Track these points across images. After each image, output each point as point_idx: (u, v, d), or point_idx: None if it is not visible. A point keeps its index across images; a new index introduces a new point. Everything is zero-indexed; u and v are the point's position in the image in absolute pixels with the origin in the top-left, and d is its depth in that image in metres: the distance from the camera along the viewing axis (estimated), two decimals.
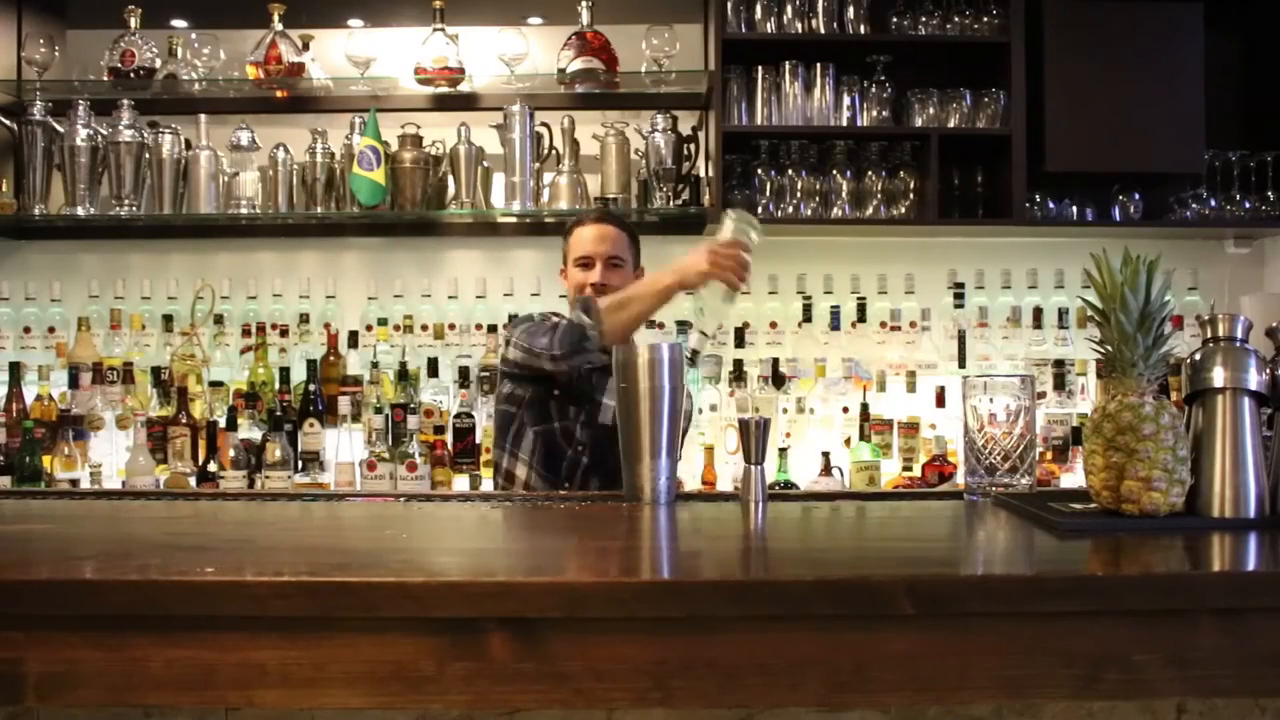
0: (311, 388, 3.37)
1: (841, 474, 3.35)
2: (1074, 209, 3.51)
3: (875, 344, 3.54)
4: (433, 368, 3.41)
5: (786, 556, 1.56)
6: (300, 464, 3.26)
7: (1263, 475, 1.55)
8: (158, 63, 3.48)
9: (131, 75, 3.45)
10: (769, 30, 3.41)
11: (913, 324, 3.53)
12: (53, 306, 3.55)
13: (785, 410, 3.45)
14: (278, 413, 3.30)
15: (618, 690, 1.20)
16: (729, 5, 3.38)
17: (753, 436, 1.87)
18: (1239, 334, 1.60)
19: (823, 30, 3.42)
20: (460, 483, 3.31)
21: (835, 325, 3.52)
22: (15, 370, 3.38)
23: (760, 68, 3.42)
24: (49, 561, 1.40)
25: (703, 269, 2.20)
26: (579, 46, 3.44)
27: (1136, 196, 3.52)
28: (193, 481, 3.21)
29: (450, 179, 3.53)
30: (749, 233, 2.23)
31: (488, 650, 1.19)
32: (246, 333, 3.52)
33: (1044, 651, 1.21)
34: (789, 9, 3.42)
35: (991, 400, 1.85)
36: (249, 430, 3.25)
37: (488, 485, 3.27)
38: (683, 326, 3.47)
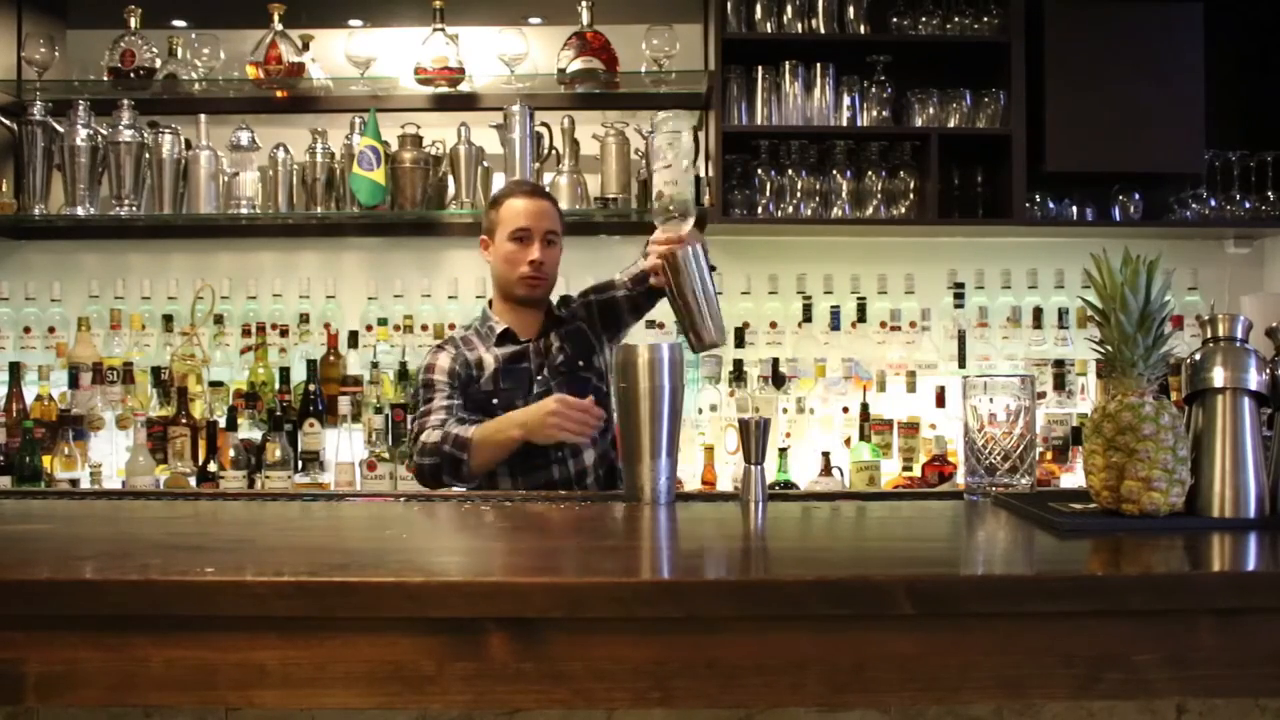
0: (311, 388, 3.37)
1: (841, 474, 3.35)
2: (1074, 209, 3.51)
3: (875, 344, 3.53)
4: None
5: (786, 556, 1.56)
6: (300, 464, 3.26)
7: (1263, 475, 1.55)
8: (158, 63, 3.48)
9: (131, 75, 3.45)
10: (769, 30, 3.41)
11: (913, 324, 3.53)
12: (53, 306, 3.55)
13: (785, 410, 3.45)
14: (278, 413, 3.30)
15: (618, 690, 1.20)
16: (729, 5, 3.38)
17: (753, 436, 1.87)
18: (1239, 334, 1.60)
19: (823, 30, 3.42)
20: None
21: (835, 325, 3.52)
22: (15, 370, 3.38)
23: (760, 68, 3.42)
24: (49, 561, 1.40)
25: (549, 432, 2.27)
26: (579, 46, 3.44)
27: (1136, 196, 3.52)
28: (193, 481, 3.21)
29: (450, 179, 3.53)
30: (678, 136, 2.20)
31: (488, 650, 1.19)
32: (246, 333, 3.52)
33: (1044, 651, 1.21)
34: (789, 9, 3.42)
35: (991, 400, 1.85)
36: (249, 430, 3.25)
37: None
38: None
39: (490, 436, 2.35)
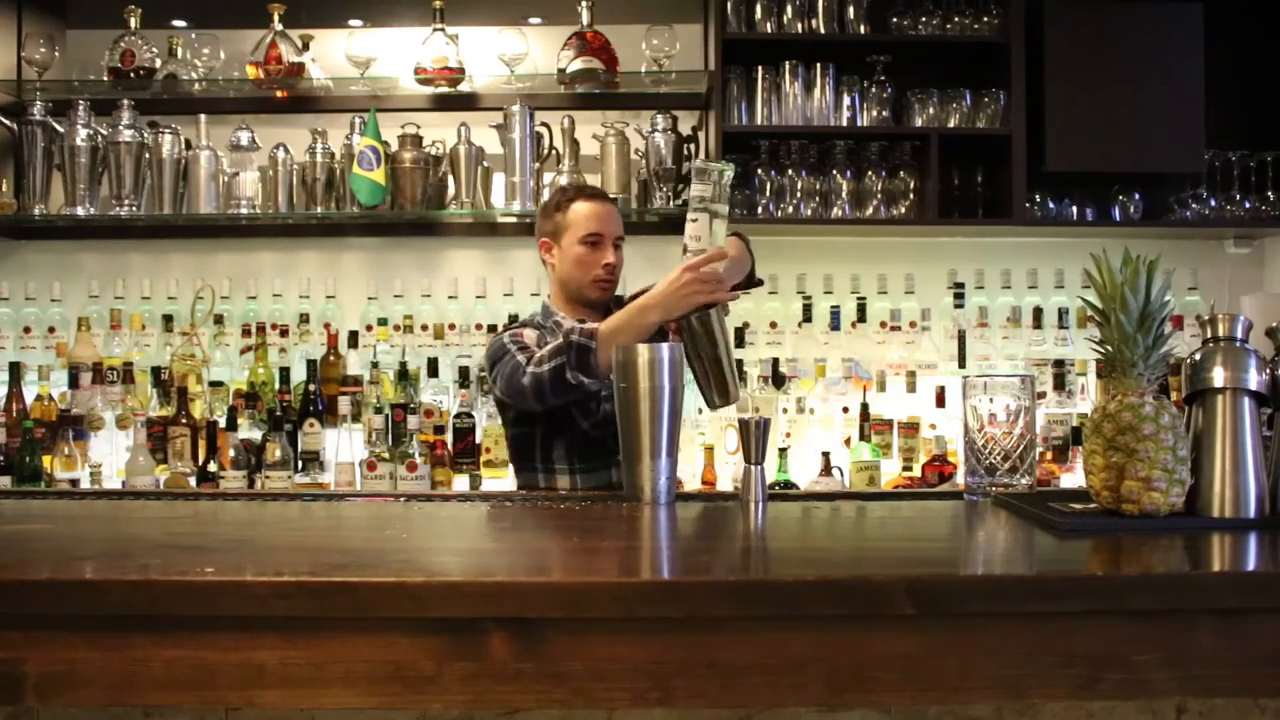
0: (311, 388, 3.37)
1: (841, 474, 3.35)
2: (1074, 209, 3.51)
3: (875, 344, 3.54)
4: (433, 368, 3.41)
5: (786, 556, 1.56)
6: (300, 464, 3.26)
7: (1263, 475, 1.55)
8: (158, 63, 3.48)
9: (131, 75, 3.45)
10: (769, 30, 3.41)
11: (913, 324, 3.53)
12: (53, 306, 3.55)
13: (785, 410, 3.45)
14: (278, 413, 3.30)
15: (618, 690, 1.20)
16: (729, 5, 3.38)
17: (753, 436, 1.87)
18: (1239, 334, 1.60)
19: (823, 30, 3.42)
20: (460, 483, 3.31)
21: (835, 325, 3.52)
22: (15, 370, 3.38)
23: (760, 68, 3.42)
24: (49, 561, 1.40)
25: (688, 301, 2.22)
26: (579, 46, 3.44)
27: (1136, 196, 3.52)
28: (193, 481, 3.21)
29: (450, 179, 3.53)
30: (716, 185, 2.18)
31: (488, 650, 1.19)
32: (246, 333, 3.52)
33: (1044, 651, 1.21)
34: (789, 9, 3.42)
35: (991, 400, 1.85)
36: (249, 430, 3.25)
37: (488, 485, 3.27)
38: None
39: (622, 327, 2.26)
